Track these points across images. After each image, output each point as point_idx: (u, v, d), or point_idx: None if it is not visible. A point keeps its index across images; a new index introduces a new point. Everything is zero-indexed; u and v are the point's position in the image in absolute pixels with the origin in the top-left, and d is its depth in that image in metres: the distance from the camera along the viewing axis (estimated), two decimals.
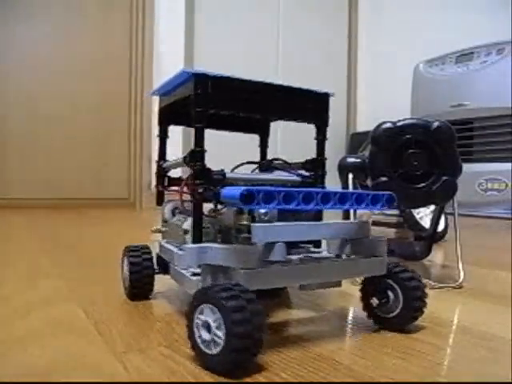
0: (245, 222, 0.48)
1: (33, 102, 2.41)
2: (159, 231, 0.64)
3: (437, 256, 1.09)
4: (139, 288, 0.62)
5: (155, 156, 2.55)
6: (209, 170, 0.52)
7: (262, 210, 0.51)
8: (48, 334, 0.49)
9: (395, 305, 0.51)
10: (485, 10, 2.66)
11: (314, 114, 0.59)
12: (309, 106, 0.58)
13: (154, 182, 2.60)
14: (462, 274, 0.73)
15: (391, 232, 1.28)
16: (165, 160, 0.66)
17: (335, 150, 3.14)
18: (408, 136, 0.63)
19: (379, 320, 0.53)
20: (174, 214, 0.63)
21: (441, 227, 1.30)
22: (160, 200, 0.66)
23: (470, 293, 0.70)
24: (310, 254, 0.55)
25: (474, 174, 2.20)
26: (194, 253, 0.46)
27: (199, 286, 0.46)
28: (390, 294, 0.51)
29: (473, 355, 0.46)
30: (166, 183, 0.66)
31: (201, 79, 0.50)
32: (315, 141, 0.60)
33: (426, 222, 1.31)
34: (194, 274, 0.49)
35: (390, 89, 3.08)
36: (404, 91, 2.66)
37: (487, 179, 2.17)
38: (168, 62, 2.62)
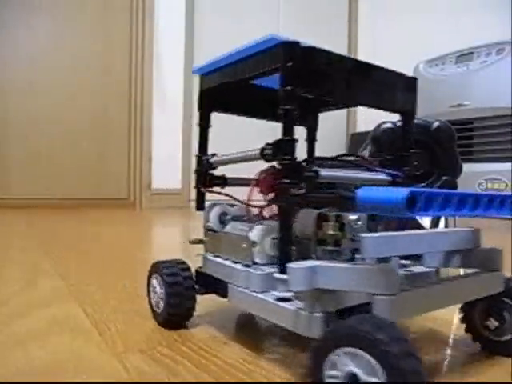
0: (331, 232, 0.39)
1: (33, 102, 2.41)
2: (201, 242, 0.53)
3: None
4: (178, 315, 0.51)
5: (154, 154, 2.51)
6: (299, 164, 0.41)
7: (354, 217, 0.42)
8: (48, 334, 0.49)
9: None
10: (485, 10, 2.66)
11: (403, 100, 0.51)
12: (398, 91, 0.50)
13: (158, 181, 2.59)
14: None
15: None
16: (206, 154, 0.55)
17: (335, 150, 3.13)
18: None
19: (489, 344, 0.45)
20: (222, 221, 0.52)
21: (441, 227, 1.30)
22: (201, 203, 0.54)
23: None
24: (409, 269, 0.46)
25: (474, 173, 2.20)
26: (303, 274, 0.34)
27: (302, 316, 0.36)
28: (506, 314, 0.43)
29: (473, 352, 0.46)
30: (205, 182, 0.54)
31: (292, 49, 0.40)
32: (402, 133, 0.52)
33: (427, 222, 1.31)
34: (280, 299, 0.39)
35: None
36: None
37: (487, 179, 2.17)
38: (168, 62, 2.62)
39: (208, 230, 0.52)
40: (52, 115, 2.45)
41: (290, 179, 0.40)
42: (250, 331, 0.53)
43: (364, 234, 0.34)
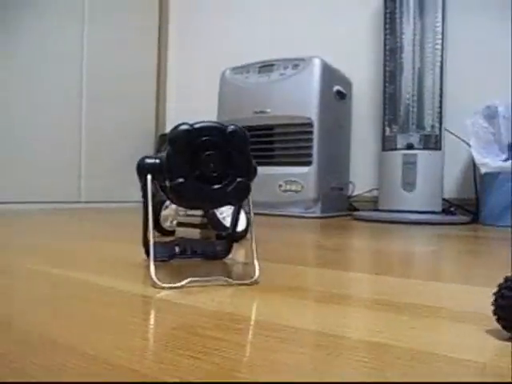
0: None
1: None
2: None
3: (238, 254, 1.14)
4: None
5: None
6: None
7: None
8: None
9: None
10: (292, 25, 2.91)
11: None
12: None
13: None
14: (257, 270, 0.77)
15: (196, 232, 1.31)
16: None
17: (143, 152, 3.11)
18: (204, 138, 0.64)
19: None
20: None
21: (242, 226, 1.37)
22: None
23: (266, 288, 0.75)
24: None
25: (275, 176, 2.38)
26: None
27: None
28: None
29: (265, 346, 0.48)
30: None
31: None
32: None
33: (229, 222, 1.37)
34: None
35: (200, 92, 3.15)
36: (214, 95, 2.75)
37: (286, 181, 2.37)
38: None
39: None
40: None
41: None
42: None
43: None
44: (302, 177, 2.33)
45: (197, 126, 0.64)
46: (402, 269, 1.00)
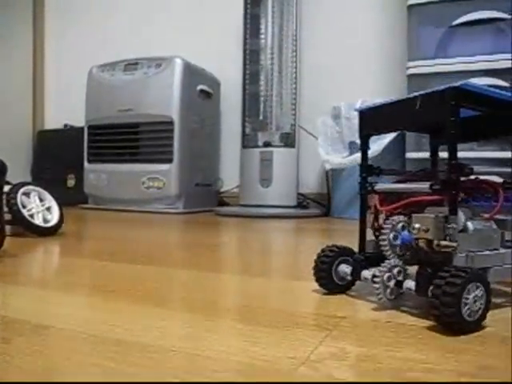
0: None
1: None
2: None
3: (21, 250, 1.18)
4: None
5: None
6: None
7: None
8: None
9: None
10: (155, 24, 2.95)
11: None
12: None
13: None
14: None
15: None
16: None
17: (21, 150, 3.06)
18: None
19: None
20: None
21: (55, 221, 1.41)
22: None
23: None
24: None
25: (139, 173, 2.43)
26: None
27: None
28: None
29: None
30: None
31: None
32: None
33: (39, 218, 1.40)
34: None
35: (77, 89, 3.13)
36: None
37: (149, 178, 2.42)
38: None
39: None
40: None
41: None
42: None
43: None
44: (164, 174, 2.39)
45: None
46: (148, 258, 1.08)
